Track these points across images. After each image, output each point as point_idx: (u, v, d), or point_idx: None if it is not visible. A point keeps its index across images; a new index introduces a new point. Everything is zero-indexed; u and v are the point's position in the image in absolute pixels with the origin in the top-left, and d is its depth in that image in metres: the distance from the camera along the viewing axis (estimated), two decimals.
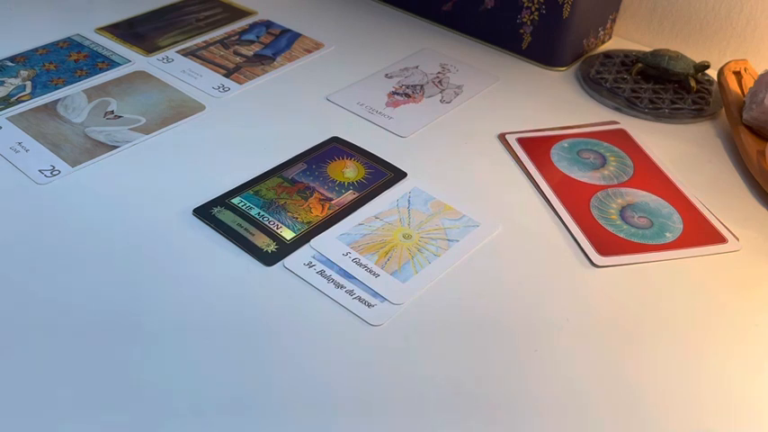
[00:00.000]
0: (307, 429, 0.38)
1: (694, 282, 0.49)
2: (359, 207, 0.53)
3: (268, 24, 0.77)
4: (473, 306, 0.46)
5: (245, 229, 0.50)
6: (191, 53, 0.71)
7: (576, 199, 0.55)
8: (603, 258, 0.50)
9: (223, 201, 0.52)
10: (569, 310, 0.46)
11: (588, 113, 0.66)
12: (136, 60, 0.69)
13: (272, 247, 0.49)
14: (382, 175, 0.56)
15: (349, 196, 0.54)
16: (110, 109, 0.62)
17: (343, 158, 0.58)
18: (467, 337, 0.44)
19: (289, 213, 0.52)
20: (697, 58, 0.76)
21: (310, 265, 0.48)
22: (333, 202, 0.53)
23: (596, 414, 0.40)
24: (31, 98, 0.62)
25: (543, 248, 0.51)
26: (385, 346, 0.43)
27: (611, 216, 0.54)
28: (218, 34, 0.75)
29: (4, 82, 0.64)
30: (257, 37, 0.75)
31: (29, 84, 0.64)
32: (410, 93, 0.67)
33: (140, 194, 0.53)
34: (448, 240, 0.50)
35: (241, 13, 0.79)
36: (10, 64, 0.67)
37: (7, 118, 0.60)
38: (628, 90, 0.68)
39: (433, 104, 0.66)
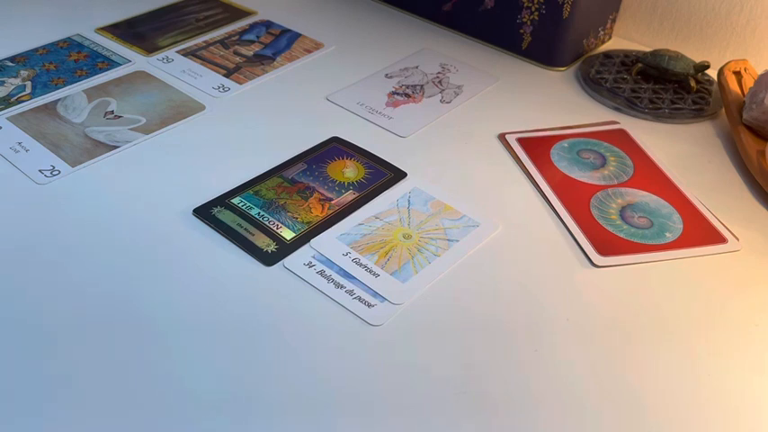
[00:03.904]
0: (307, 429, 0.38)
1: (694, 282, 0.49)
2: (359, 207, 0.53)
3: (268, 24, 0.77)
4: (473, 306, 0.46)
5: (245, 229, 0.50)
6: (191, 53, 0.71)
7: (576, 199, 0.55)
8: (603, 258, 0.50)
9: (223, 201, 0.52)
10: (569, 310, 0.46)
11: (588, 113, 0.66)
12: (136, 60, 0.69)
13: (272, 247, 0.49)
14: (382, 175, 0.56)
15: (349, 196, 0.54)
16: (110, 109, 0.62)
17: (343, 158, 0.58)
18: (467, 337, 0.44)
19: (289, 213, 0.52)
20: (697, 58, 0.76)
21: (310, 265, 0.48)
22: (333, 202, 0.53)
23: (596, 413, 0.40)
24: (31, 98, 0.62)
25: (543, 248, 0.51)
26: (385, 346, 0.43)
27: (611, 216, 0.54)
28: (218, 34, 0.75)
29: (4, 82, 0.64)
30: (257, 37, 0.75)
31: (29, 84, 0.64)
32: (410, 93, 0.67)
33: (140, 194, 0.53)
34: (448, 240, 0.50)
35: (241, 13, 0.79)
36: (10, 64, 0.67)
37: (7, 118, 0.60)
38: (628, 90, 0.68)
39: (433, 104, 0.66)
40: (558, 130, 0.63)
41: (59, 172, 0.54)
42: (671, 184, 0.57)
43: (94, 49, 0.71)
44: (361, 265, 0.48)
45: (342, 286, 0.46)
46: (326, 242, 0.50)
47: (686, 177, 0.58)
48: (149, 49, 0.71)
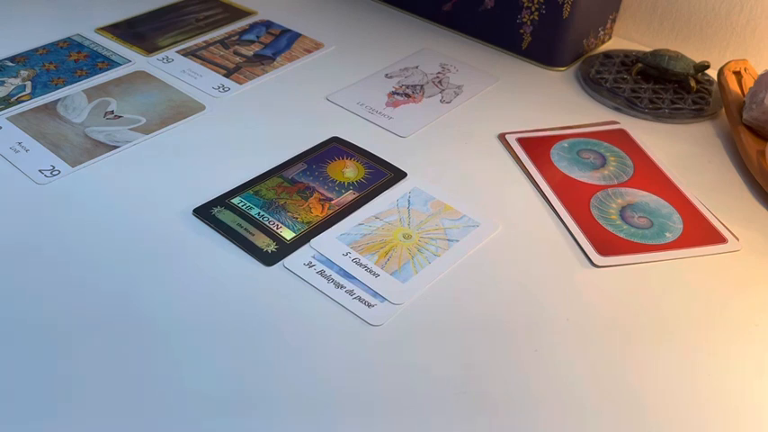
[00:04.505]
0: (307, 429, 0.38)
1: (694, 282, 0.49)
2: (359, 207, 0.53)
3: (268, 24, 0.77)
4: (473, 306, 0.46)
5: (245, 229, 0.50)
6: (191, 53, 0.71)
7: (576, 199, 0.55)
8: (603, 258, 0.50)
9: (223, 201, 0.52)
10: (569, 310, 0.46)
11: (588, 113, 0.66)
12: (136, 60, 0.69)
13: (272, 247, 0.49)
14: (382, 175, 0.56)
15: (349, 196, 0.54)
16: (110, 109, 0.62)
17: (343, 158, 0.58)
18: (467, 337, 0.44)
19: (289, 213, 0.52)
20: (697, 58, 0.76)
21: (310, 265, 0.48)
22: (333, 201, 0.53)
23: (596, 413, 0.40)
24: (31, 98, 0.62)
25: (543, 248, 0.51)
26: (385, 346, 0.43)
27: (611, 216, 0.54)
28: (218, 34, 0.75)
29: (4, 82, 0.64)
30: (257, 37, 0.75)
31: (29, 84, 0.64)
32: (410, 93, 0.67)
33: (140, 194, 0.53)
34: (448, 240, 0.50)
35: (241, 13, 0.79)
36: (10, 64, 0.67)
37: (7, 118, 0.60)
38: (628, 90, 0.68)
39: (433, 104, 0.66)
40: (558, 130, 0.63)
41: (59, 172, 0.54)
42: (671, 184, 0.57)
43: (94, 49, 0.71)
44: (361, 265, 0.48)
45: (342, 286, 0.46)
46: (326, 242, 0.50)
47: (686, 177, 0.58)
48: (149, 49, 0.71)
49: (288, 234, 0.50)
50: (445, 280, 0.47)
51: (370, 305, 0.45)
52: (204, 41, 0.73)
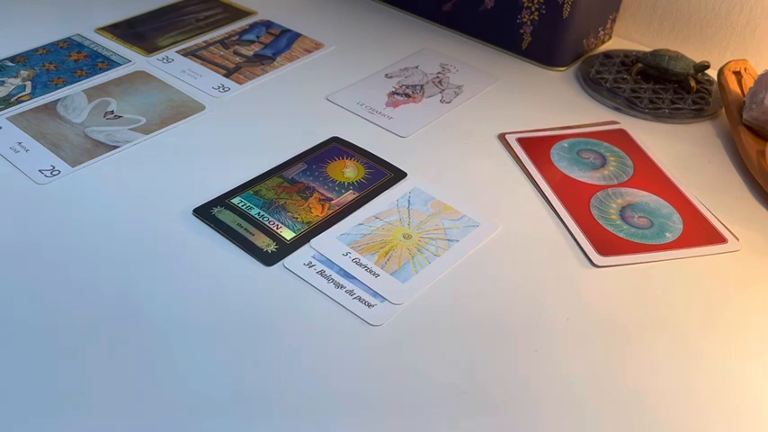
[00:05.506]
0: (307, 429, 0.38)
1: (694, 282, 0.49)
2: (359, 207, 0.53)
3: (268, 24, 0.77)
4: (473, 306, 0.46)
5: (245, 229, 0.50)
6: (191, 53, 0.71)
7: (576, 199, 0.55)
8: (603, 258, 0.50)
9: (223, 201, 0.52)
10: (569, 310, 0.46)
11: (588, 113, 0.66)
12: (136, 60, 0.69)
13: (272, 247, 0.49)
14: (382, 175, 0.56)
15: (349, 196, 0.54)
16: (110, 109, 0.62)
17: (343, 158, 0.58)
18: (467, 337, 0.44)
19: (289, 213, 0.52)
20: (697, 58, 0.76)
21: (310, 265, 0.48)
22: (333, 202, 0.53)
23: (596, 414, 0.40)
24: (31, 98, 0.62)
25: (543, 248, 0.51)
26: (385, 346, 0.43)
27: (611, 216, 0.54)
28: (218, 34, 0.75)
29: (4, 82, 0.64)
30: (257, 37, 0.75)
31: (29, 84, 0.64)
32: (410, 93, 0.67)
33: (140, 194, 0.53)
34: (448, 240, 0.50)
35: (241, 13, 0.79)
36: (10, 64, 0.67)
37: (7, 118, 0.60)
38: (628, 90, 0.68)
39: (433, 104, 0.66)
40: (558, 130, 0.63)
41: (59, 172, 0.54)
42: (671, 184, 0.57)
43: (94, 49, 0.71)
44: (361, 265, 0.48)
45: (342, 286, 0.46)
46: (326, 242, 0.50)
47: (686, 177, 0.58)
48: (149, 49, 0.71)
49: (288, 234, 0.50)
50: (445, 280, 0.47)
51: (370, 305, 0.45)
52: (204, 41, 0.73)
